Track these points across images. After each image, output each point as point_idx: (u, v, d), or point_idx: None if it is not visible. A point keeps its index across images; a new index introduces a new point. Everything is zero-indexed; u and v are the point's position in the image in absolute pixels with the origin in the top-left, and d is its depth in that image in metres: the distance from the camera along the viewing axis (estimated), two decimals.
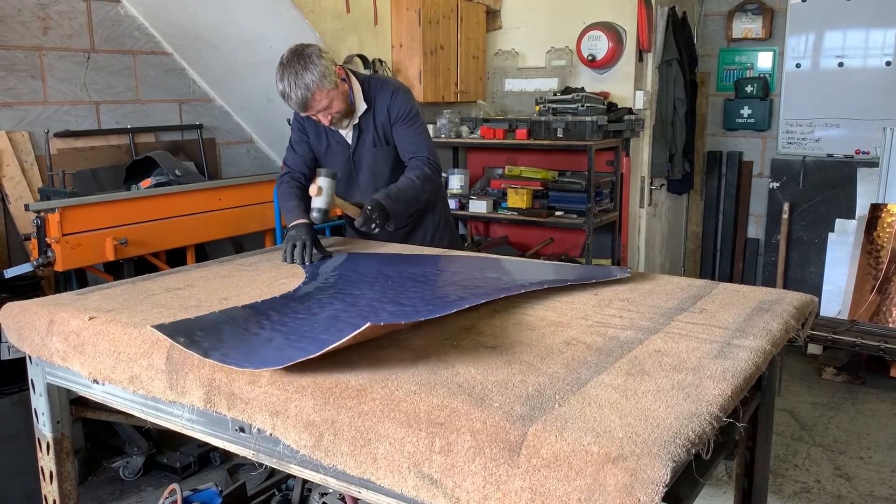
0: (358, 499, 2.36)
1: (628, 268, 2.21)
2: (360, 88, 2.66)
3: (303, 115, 2.62)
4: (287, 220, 2.63)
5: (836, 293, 4.80)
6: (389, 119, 2.68)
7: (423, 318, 1.64)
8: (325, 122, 2.58)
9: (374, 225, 2.45)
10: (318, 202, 2.38)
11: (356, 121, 2.68)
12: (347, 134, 2.73)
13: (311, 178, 2.80)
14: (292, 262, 2.40)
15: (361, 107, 2.66)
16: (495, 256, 2.56)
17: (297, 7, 3.88)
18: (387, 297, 1.95)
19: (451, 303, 1.78)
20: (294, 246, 2.42)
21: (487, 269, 2.29)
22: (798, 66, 5.26)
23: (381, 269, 2.30)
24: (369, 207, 2.44)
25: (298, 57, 2.43)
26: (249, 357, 1.49)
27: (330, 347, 1.40)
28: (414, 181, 2.61)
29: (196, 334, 1.63)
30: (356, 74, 2.71)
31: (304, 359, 1.40)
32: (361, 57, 4.28)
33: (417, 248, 2.69)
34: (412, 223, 2.86)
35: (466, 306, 1.75)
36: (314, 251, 2.44)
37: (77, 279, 3.41)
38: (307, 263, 2.39)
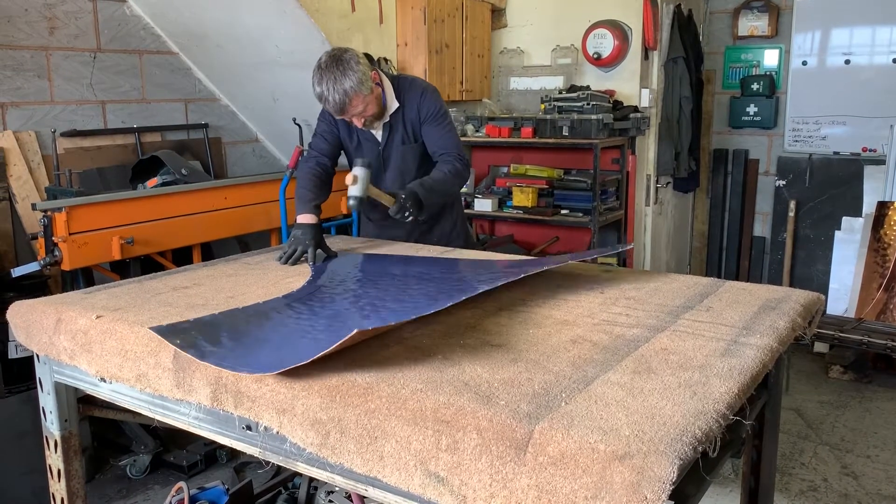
0: (364, 497, 2.37)
1: (631, 243, 2.24)
2: (391, 88, 2.72)
3: (338, 118, 2.66)
4: (297, 206, 2.64)
5: (843, 291, 4.78)
6: (419, 117, 2.74)
7: (418, 315, 1.63)
8: (359, 124, 2.64)
9: (407, 213, 2.48)
10: (354, 190, 2.39)
11: (387, 119, 2.73)
12: (377, 131, 2.77)
13: (334, 167, 2.85)
14: (288, 263, 2.40)
15: (394, 105, 2.72)
16: (500, 255, 2.55)
17: (302, 6, 3.88)
18: (389, 295, 1.95)
19: (452, 295, 1.78)
20: (295, 250, 2.43)
21: (492, 266, 2.29)
22: (804, 63, 5.24)
23: (386, 268, 2.31)
24: (403, 196, 2.48)
25: (337, 62, 2.46)
26: (246, 361, 1.49)
27: (319, 354, 1.40)
28: (446, 174, 2.67)
29: (193, 336, 1.63)
30: (387, 74, 2.77)
31: (297, 365, 1.40)
32: (367, 56, 4.28)
33: (425, 247, 2.70)
34: (430, 221, 2.90)
35: (466, 297, 1.75)
36: (317, 253, 2.44)
37: (84, 278, 3.42)
38: (311, 265, 2.38)
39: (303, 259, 2.42)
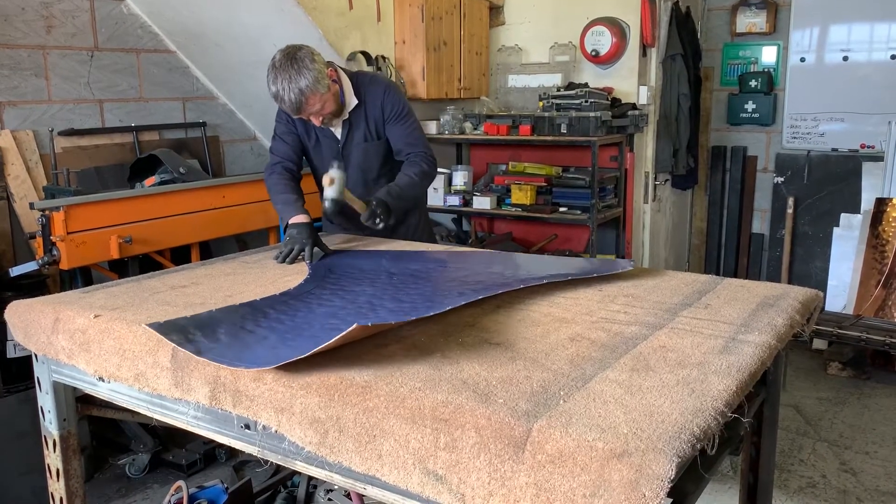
0: (363, 495, 2.37)
1: (632, 260, 2.21)
2: (349, 84, 2.68)
3: (295, 117, 2.64)
4: (282, 213, 2.63)
5: (842, 288, 4.79)
6: (383, 115, 2.71)
7: (417, 317, 1.63)
8: (317, 123, 2.61)
9: (378, 220, 2.49)
10: (330, 192, 2.39)
11: (346, 116, 2.70)
12: (336, 129, 2.75)
13: (300, 170, 2.85)
14: (286, 262, 2.39)
15: (352, 102, 2.68)
16: (500, 252, 2.56)
17: (299, 4, 3.88)
18: (387, 294, 1.95)
19: (450, 299, 1.78)
20: (292, 250, 2.41)
21: (491, 264, 2.29)
22: (802, 60, 5.24)
23: (384, 266, 2.30)
24: (374, 203, 2.48)
25: (292, 61, 2.42)
26: (242, 356, 1.50)
27: (318, 349, 1.40)
28: (413, 178, 2.66)
29: (190, 333, 1.64)
30: (345, 71, 2.73)
31: (295, 358, 1.40)
32: (364, 54, 4.28)
33: (421, 245, 2.69)
34: (397, 219, 2.86)
35: (464, 302, 1.75)
36: (314, 251, 2.43)
37: (82, 277, 3.42)
38: (308, 263, 2.38)
39: (300, 258, 2.41)
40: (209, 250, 3.90)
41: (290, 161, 2.79)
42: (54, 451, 2.03)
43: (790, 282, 5.33)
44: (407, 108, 2.75)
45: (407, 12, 4.52)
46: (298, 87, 2.42)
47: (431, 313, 1.65)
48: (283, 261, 2.40)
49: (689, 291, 1.95)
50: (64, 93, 3.85)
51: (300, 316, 1.78)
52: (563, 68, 4.98)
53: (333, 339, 1.40)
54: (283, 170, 2.76)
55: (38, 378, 2.01)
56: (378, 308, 1.82)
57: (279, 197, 2.68)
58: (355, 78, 2.73)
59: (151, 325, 1.66)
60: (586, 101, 4.38)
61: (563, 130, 4.41)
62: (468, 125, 4.85)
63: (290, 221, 2.53)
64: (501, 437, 1.17)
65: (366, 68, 4.23)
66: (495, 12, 5.21)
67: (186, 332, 1.64)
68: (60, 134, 3.80)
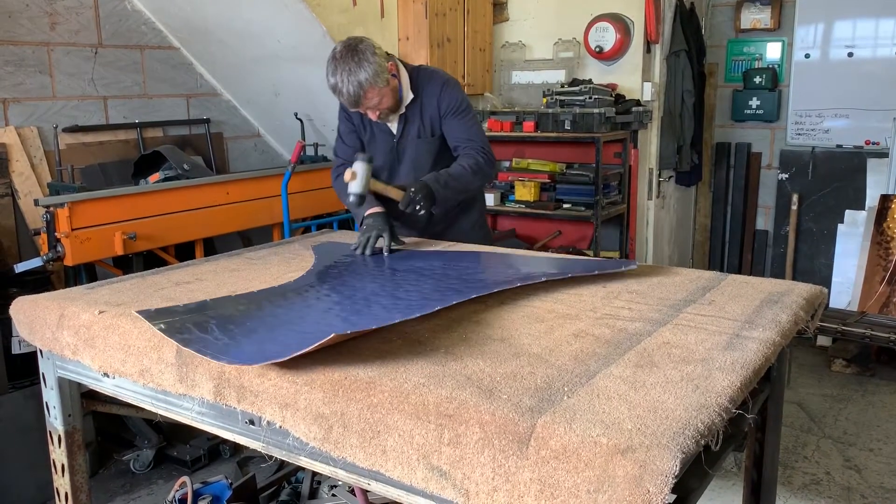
0: (367, 491, 2.37)
1: (635, 261, 2.19)
2: (407, 79, 2.62)
3: (352, 110, 2.58)
4: (357, 213, 2.57)
5: (846, 285, 4.78)
6: (439, 111, 2.63)
7: (402, 319, 1.62)
8: (374, 117, 2.55)
9: (418, 207, 2.39)
10: (353, 187, 2.34)
11: (402, 111, 2.64)
12: (392, 124, 2.68)
13: None
14: (365, 252, 2.35)
15: (408, 97, 2.62)
16: (504, 250, 2.55)
17: (303, 0, 3.88)
18: (385, 291, 1.95)
19: (447, 297, 1.78)
20: (370, 237, 2.37)
21: (494, 262, 2.29)
22: (807, 56, 5.22)
23: (387, 262, 2.30)
24: (413, 189, 2.38)
25: (352, 53, 2.37)
26: (227, 350, 1.50)
27: (296, 353, 1.40)
28: (465, 169, 2.56)
29: (179, 322, 1.64)
30: (404, 64, 2.66)
31: (276, 360, 1.40)
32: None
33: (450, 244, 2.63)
34: (446, 221, 2.81)
35: (458, 301, 1.75)
36: (390, 240, 2.39)
37: (86, 273, 3.43)
38: (385, 255, 2.35)
39: (378, 245, 2.37)
40: (213, 247, 3.91)
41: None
42: (59, 446, 2.04)
43: (794, 278, 5.32)
44: (465, 104, 2.66)
45: (410, 8, 4.51)
46: (358, 79, 2.36)
47: (419, 314, 1.64)
48: (363, 251, 2.35)
49: (693, 288, 1.94)
50: (68, 89, 3.86)
51: (295, 310, 1.77)
52: (566, 64, 4.97)
53: (312, 346, 1.40)
54: None
55: (43, 374, 2.02)
56: (373, 305, 1.82)
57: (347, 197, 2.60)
58: (415, 72, 2.66)
59: (140, 312, 1.66)
60: (590, 98, 4.37)
61: (567, 127, 4.40)
62: None
63: (366, 213, 2.48)
64: (505, 432, 1.17)
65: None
66: (499, 8, 5.20)
67: (175, 322, 1.64)
68: (65, 130, 3.80)
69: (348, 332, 1.48)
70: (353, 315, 1.75)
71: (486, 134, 4.73)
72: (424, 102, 2.63)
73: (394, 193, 2.42)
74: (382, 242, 2.37)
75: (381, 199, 2.51)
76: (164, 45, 4.30)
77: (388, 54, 2.51)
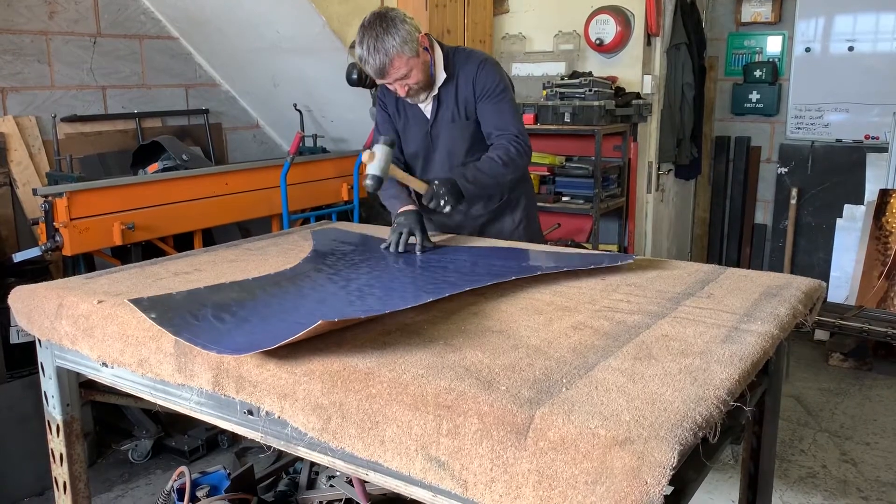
0: (366, 481, 2.38)
1: (632, 255, 2.17)
2: (441, 58, 2.46)
3: (379, 83, 2.43)
4: (391, 209, 2.48)
5: (844, 279, 4.78)
6: (474, 93, 2.46)
7: (392, 310, 1.62)
8: (402, 93, 2.40)
9: (442, 202, 2.25)
10: (371, 168, 2.19)
11: (435, 92, 2.48)
12: (426, 107, 2.54)
13: (404, 161, 2.65)
14: (397, 250, 2.25)
15: (441, 77, 2.46)
16: (502, 242, 2.54)
17: None
18: (380, 282, 1.95)
19: (442, 289, 1.79)
20: (401, 234, 2.27)
21: (491, 255, 2.29)
22: (808, 50, 5.21)
23: (385, 254, 2.30)
24: (437, 182, 2.26)
25: (381, 20, 2.26)
26: (219, 340, 1.50)
27: (285, 342, 1.40)
28: (495, 161, 2.38)
29: (170, 311, 1.64)
30: (441, 45, 2.51)
31: (265, 349, 1.40)
32: None
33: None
34: (489, 216, 2.68)
35: (451, 293, 1.76)
36: (422, 237, 2.29)
37: (85, 263, 3.43)
38: (418, 254, 2.24)
39: (410, 242, 2.26)
40: (212, 237, 3.91)
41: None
42: (58, 435, 2.04)
43: (793, 272, 5.32)
44: (502, 87, 2.46)
45: (410, 0, 4.49)
46: (385, 46, 2.23)
47: (408, 306, 1.64)
48: (395, 248, 2.25)
49: (691, 281, 1.95)
50: (67, 79, 3.85)
51: (289, 300, 1.77)
52: (567, 57, 4.96)
53: (300, 334, 1.40)
54: None
55: (41, 363, 2.02)
56: (367, 296, 1.82)
57: (385, 193, 2.48)
58: (452, 52, 2.49)
59: (132, 301, 1.66)
60: (590, 90, 4.36)
61: (567, 119, 4.39)
62: None
63: (399, 210, 2.38)
64: (504, 423, 1.18)
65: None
66: (499, 0, 5.18)
67: (167, 310, 1.64)
68: (63, 120, 3.79)
69: (336, 319, 1.48)
70: (347, 306, 1.75)
71: None
72: (460, 84, 2.47)
73: (416, 184, 2.31)
74: (414, 240, 2.27)
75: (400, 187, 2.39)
76: (163, 35, 4.28)
77: (425, 33, 2.40)
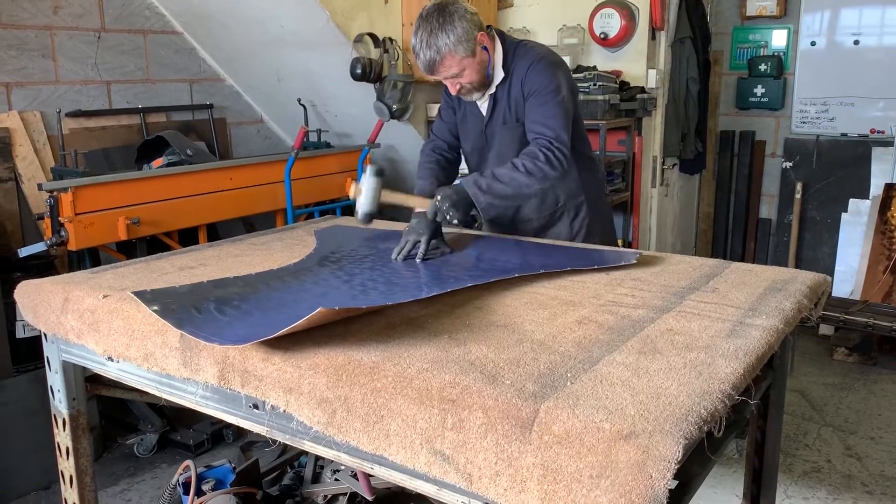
0: (370, 475, 2.38)
1: (636, 252, 2.15)
2: (501, 56, 2.32)
3: (429, 76, 2.34)
4: (418, 191, 2.38)
5: (849, 273, 4.77)
6: (523, 94, 2.30)
7: (393, 303, 1.63)
8: (453, 91, 2.29)
9: (448, 216, 2.11)
10: (361, 206, 2.12)
11: (492, 90, 2.35)
12: (483, 104, 2.41)
13: (454, 153, 2.56)
14: (398, 258, 2.13)
15: (499, 76, 2.32)
16: (506, 237, 2.54)
17: None
18: (383, 277, 1.95)
19: (445, 285, 1.79)
20: (406, 243, 2.14)
21: (494, 250, 2.28)
22: (813, 44, 5.19)
23: (390, 248, 2.29)
24: (439, 197, 2.12)
25: (440, 13, 2.13)
26: (221, 332, 1.50)
27: (285, 330, 1.40)
28: (517, 170, 2.17)
29: (174, 303, 1.64)
30: (504, 40, 2.35)
31: (267, 337, 1.41)
32: (372, 35, 4.26)
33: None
34: (542, 220, 2.55)
35: (454, 288, 1.76)
36: (430, 245, 2.15)
37: (90, 258, 3.44)
38: (418, 261, 2.12)
39: (413, 253, 2.13)
40: (216, 232, 3.92)
41: (444, 140, 2.52)
42: (64, 429, 2.05)
43: (797, 267, 5.30)
44: (551, 87, 2.25)
45: None
46: (437, 43, 2.12)
47: (409, 299, 1.64)
48: (396, 256, 2.12)
49: (696, 275, 1.94)
50: (71, 74, 3.85)
51: (291, 293, 1.78)
52: (571, 51, 4.94)
53: (299, 322, 1.40)
54: (432, 150, 2.50)
55: (47, 357, 2.03)
56: (370, 291, 1.82)
57: (418, 180, 2.41)
58: (513, 48, 2.33)
59: (136, 294, 1.67)
60: (595, 85, 4.35)
61: None
62: None
63: (415, 210, 2.22)
64: (509, 417, 1.18)
65: (373, 51, 4.18)
66: None
67: (170, 303, 1.64)
68: (68, 115, 3.80)
69: (336, 308, 1.48)
70: (349, 300, 1.76)
71: None
72: (513, 83, 2.32)
73: (418, 203, 2.19)
74: (417, 251, 2.13)
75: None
76: (167, 30, 4.28)
77: (488, 26, 2.28)
